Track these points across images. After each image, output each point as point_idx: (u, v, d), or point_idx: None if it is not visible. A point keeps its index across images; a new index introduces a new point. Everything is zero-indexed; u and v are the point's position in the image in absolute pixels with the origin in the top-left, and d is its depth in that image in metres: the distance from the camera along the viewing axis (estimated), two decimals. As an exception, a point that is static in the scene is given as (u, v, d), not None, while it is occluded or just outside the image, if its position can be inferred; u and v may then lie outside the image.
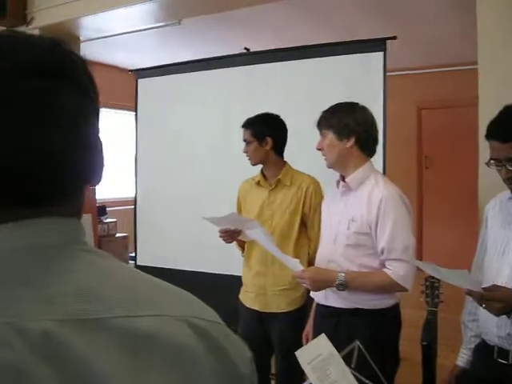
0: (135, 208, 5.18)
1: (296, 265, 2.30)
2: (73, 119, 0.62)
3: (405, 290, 2.16)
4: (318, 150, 2.30)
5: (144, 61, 5.15)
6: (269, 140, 2.75)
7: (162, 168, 4.95)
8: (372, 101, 3.37)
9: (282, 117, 2.90)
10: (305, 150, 2.93)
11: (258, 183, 2.83)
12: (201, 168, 4.61)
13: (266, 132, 2.75)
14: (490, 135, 1.78)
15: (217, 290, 3.37)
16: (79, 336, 0.52)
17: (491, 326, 1.88)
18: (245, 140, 2.80)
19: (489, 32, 2.65)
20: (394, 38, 3.69)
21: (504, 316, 1.75)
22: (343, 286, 2.16)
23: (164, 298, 0.63)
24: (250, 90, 4.14)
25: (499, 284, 1.78)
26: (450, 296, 2.22)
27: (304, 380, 1.61)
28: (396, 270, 2.13)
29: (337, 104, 2.31)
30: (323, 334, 1.68)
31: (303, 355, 1.50)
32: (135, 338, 0.55)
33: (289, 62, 4.13)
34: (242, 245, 2.91)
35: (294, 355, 1.57)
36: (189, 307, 0.64)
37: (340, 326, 2.19)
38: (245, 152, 2.80)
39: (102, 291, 0.56)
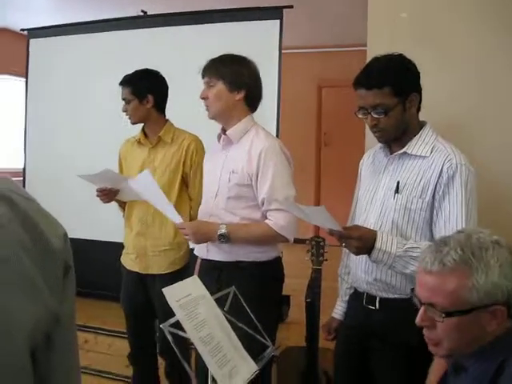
0: (24, 180, 4.92)
1: (176, 216, 2.25)
2: None
3: (287, 240, 2.18)
4: (202, 98, 2.22)
5: (38, 23, 4.87)
6: (150, 98, 2.61)
7: (54, 137, 4.70)
8: (267, 69, 3.38)
9: (177, 81, 2.78)
10: (199, 114, 2.84)
11: (139, 142, 2.69)
12: (97, 137, 4.43)
13: (147, 89, 2.60)
14: (356, 84, 1.84)
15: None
16: None
17: (360, 273, 1.94)
18: (124, 99, 2.63)
19: (378, 14, 2.73)
20: (291, 6, 3.73)
21: (370, 261, 1.81)
22: (225, 238, 2.13)
23: None
24: (147, 53, 4.01)
25: None
26: (334, 266, 2.25)
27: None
28: (277, 221, 2.13)
29: (226, 54, 2.23)
30: (195, 276, 1.64)
31: (171, 293, 1.45)
32: None
33: (184, 26, 4.09)
34: (122, 205, 2.78)
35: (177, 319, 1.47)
36: (5, 184, 0.61)
37: (222, 280, 2.15)
38: (124, 111, 2.64)
39: None
